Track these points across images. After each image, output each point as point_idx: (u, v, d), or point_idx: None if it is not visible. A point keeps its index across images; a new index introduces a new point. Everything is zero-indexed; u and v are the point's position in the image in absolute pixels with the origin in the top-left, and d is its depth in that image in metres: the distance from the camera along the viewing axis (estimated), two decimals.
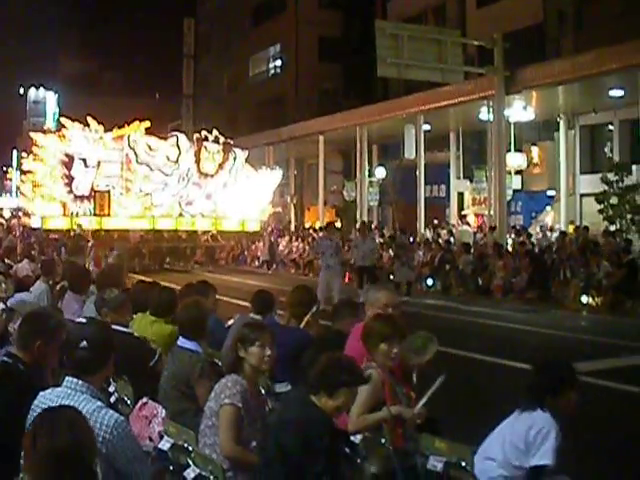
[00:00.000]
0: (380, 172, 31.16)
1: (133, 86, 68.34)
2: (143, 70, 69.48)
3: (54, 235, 25.74)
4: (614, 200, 19.59)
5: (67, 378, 3.40)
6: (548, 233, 23.11)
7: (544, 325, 14.09)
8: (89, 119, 25.41)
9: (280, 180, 30.61)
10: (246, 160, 28.35)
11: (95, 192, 24.71)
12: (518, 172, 24.84)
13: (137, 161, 25.38)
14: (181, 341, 5.09)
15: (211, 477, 3.66)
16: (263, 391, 4.83)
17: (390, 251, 21.65)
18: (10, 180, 63.72)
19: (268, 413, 4.48)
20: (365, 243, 17.67)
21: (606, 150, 24.40)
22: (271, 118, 38.17)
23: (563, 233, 21.07)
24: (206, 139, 27.17)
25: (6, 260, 13.71)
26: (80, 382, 3.36)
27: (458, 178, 29.06)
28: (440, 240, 22.94)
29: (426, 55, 20.91)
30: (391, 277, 19.55)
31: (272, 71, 44.34)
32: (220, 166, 27.32)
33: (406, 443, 4.32)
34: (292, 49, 41.44)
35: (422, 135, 25.99)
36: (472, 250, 20.70)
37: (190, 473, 3.75)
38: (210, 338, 5.77)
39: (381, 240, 23.48)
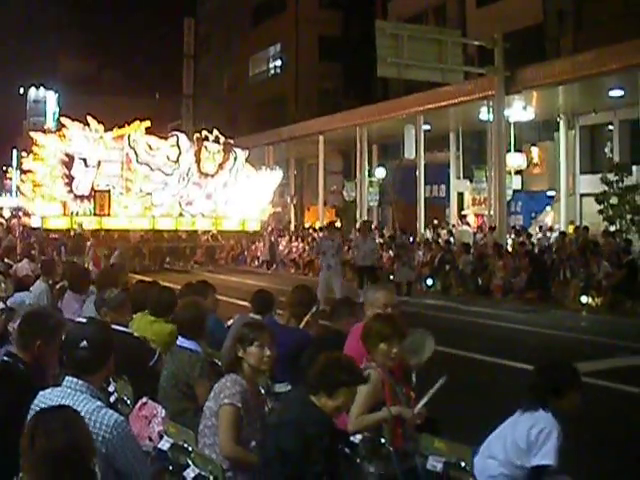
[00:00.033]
0: (380, 172, 31.18)
1: (133, 86, 68.32)
2: (143, 70, 69.53)
3: (54, 235, 25.74)
4: (614, 200, 19.59)
5: (67, 378, 3.40)
6: (548, 233, 23.11)
7: (544, 325, 14.09)
8: (89, 119, 25.40)
9: (280, 180, 30.61)
10: (246, 160, 28.36)
11: (95, 192, 24.71)
12: (518, 172, 24.84)
13: (137, 161, 25.39)
14: (180, 341, 5.09)
15: (211, 477, 3.65)
16: (263, 391, 4.83)
17: (390, 251, 21.66)
18: (10, 180, 63.67)
19: (268, 413, 4.48)
20: (366, 243, 17.63)
21: (606, 150, 24.39)
22: (271, 118, 38.17)
23: (563, 233, 21.06)
24: (206, 139, 27.18)
25: (6, 260, 13.71)
26: (80, 382, 3.36)
27: (458, 178, 29.06)
28: (440, 240, 22.95)
29: (426, 55, 20.90)
30: (391, 277, 19.55)
31: (272, 71, 44.33)
32: (220, 166, 27.32)
33: (406, 443, 4.32)
34: (292, 49, 41.43)
35: (422, 135, 26.00)
36: (472, 250, 20.71)
37: (190, 473, 3.74)
38: (210, 338, 5.78)
39: (381, 240, 23.48)
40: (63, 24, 74.77)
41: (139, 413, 4.39)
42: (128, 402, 4.66)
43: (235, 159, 27.70)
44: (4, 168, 68.53)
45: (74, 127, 25.10)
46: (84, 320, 4.10)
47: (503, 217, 21.99)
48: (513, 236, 22.20)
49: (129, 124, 26.38)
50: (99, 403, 3.30)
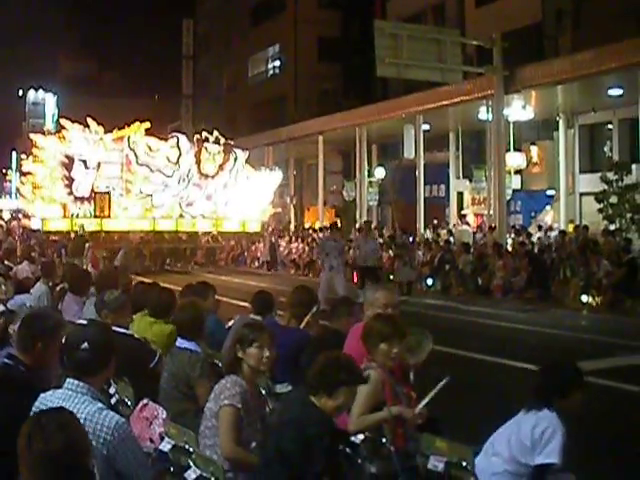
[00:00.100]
0: (380, 172, 31.17)
1: (132, 87, 68.39)
2: (142, 71, 69.62)
3: (54, 237, 25.74)
4: (614, 199, 19.59)
5: (68, 380, 3.40)
6: (548, 232, 23.10)
7: (544, 325, 14.09)
8: (89, 120, 25.41)
9: (280, 181, 30.61)
10: (246, 161, 28.36)
11: (95, 193, 24.73)
12: (517, 172, 24.83)
13: (137, 162, 25.39)
14: (179, 342, 5.10)
15: (212, 478, 3.66)
16: (264, 392, 4.83)
17: (390, 251, 21.66)
18: (9, 182, 63.73)
19: (268, 414, 4.48)
20: (367, 243, 17.61)
21: (605, 149, 24.41)
22: (270, 118, 38.19)
23: (563, 232, 21.06)
24: (206, 140, 27.18)
25: (6, 262, 13.72)
26: (81, 384, 3.36)
27: (457, 178, 29.07)
28: (440, 240, 22.95)
29: (425, 55, 20.89)
30: (391, 277, 19.54)
31: (271, 71, 44.34)
32: (220, 167, 27.34)
33: (407, 443, 4.33)
34: (291, 49, 41.42)
35: (421, 135, 26.00)
36: (472, 250, 20.71)
37: (191, 474, 3.74)
38: (210, 339, 5.79)
39: (381, 240, 23.48)
40: (62, 26, 74.96)
41: (140, 414, 4.39)
42: (129, 404, 4.66)
43: (235, 160, 27.71)
44: (3, 170, 68.59)
45: (74, 129, 25.11)
46: (85, 322, 4.11)
47: (503, 217, 21.98)
48: (513, 235, 22.21)
49: (129, 125, 26.39)
50: (100, 405, 3.31)
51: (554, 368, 4.23)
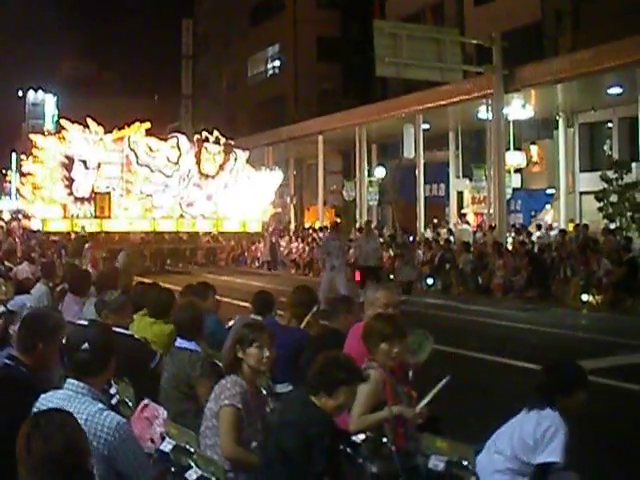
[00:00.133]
0: (379, 172, 31.17)
1: (132, 87, 68.49)
2: (142, 71, 69.87)
3: (54, 237, 25.74)
4: (614, 198, 19.59)
5: (68, 380, 3.40)
6: (548, 231, 23.09)
7: (544, 324, 14.09)
8: (89, 121, 25.40)
9: (280, 181, 30.60)
10: (247, 161, 28.35)
11: (95, 194, 24.72)
12: (517, 170, 24.83)
13: (137, 162, 25.38)
14: (179, 342, 5.10)
15: (213, 478, 3.66)
16: (264, 392, 4.83)
17: (390, 251, 21.65)
18: (9, 182, 63.79)
19: (269, 413, 4.48)
20: (368, 243, 17.59)
21: (605, 148, 24.40)
22: (270, 118, 38.16)
23: (563, 231, 21.05)
24: (207, 140, 27.18)
25: (6, 262, 13.73)
26: (81, 384, 3.36)
27: (457, 177, 29.06)
28: (440, 239, 22.94)
29: (425, 54, 20.89)
30: (391, 277, 19.53)
31: (271, 71, 44.33)
32: (221, 167, 27.32)
33: (408, 443, 4.33)
34: (291, 49, 41.42)
35: (421, 134, 25.99)
36: (472, 249, 20.71)
37: (192, 474, 3.75)
38: (211, 339, 5.79)
39: (381, 240, 23.47)
40: (62, 26, 75.00)
41: (141, 415, 4.39)
42: (130, 404, 4.67)
43: (235, 160, 27.70)
44: (3, 171, 68.63)
45: (74, 129, 25.10)
46: (85, 322, 4.10)
47: (503, 216, 21.99)
48: (513, 235, 22.20)
49: (128, 125, 26.38)
50: (100, 405, 3.31)
51: (558, 367, 4.23)
